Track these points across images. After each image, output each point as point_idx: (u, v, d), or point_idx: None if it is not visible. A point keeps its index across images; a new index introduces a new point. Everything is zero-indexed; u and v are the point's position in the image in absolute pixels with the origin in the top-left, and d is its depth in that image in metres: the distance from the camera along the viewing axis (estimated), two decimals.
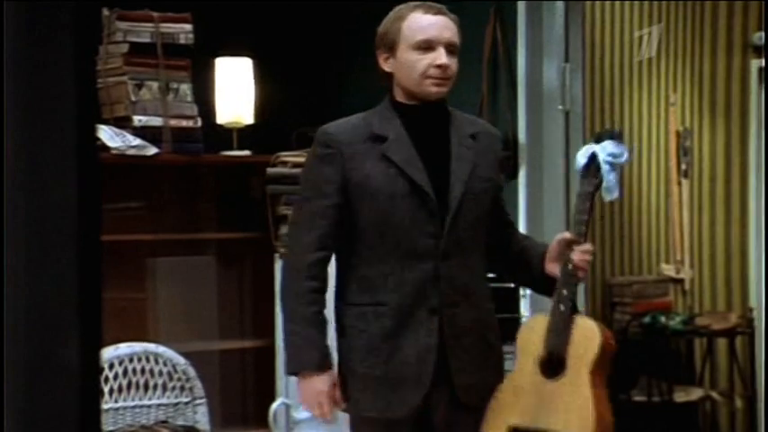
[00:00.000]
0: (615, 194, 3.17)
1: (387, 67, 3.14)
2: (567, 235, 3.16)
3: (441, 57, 3.07)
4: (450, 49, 3.10)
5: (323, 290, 3.09)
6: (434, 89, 3.09)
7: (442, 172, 3.10)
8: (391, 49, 3.11)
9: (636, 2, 7.48)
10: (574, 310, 3.13)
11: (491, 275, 3.67)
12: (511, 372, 3.18)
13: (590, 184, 3.18)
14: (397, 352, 3.05)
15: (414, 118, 3.11)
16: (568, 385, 3.06)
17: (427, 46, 3.07)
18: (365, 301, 3.09)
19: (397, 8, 3.19)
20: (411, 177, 3.05)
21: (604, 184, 3.16)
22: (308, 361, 3.06)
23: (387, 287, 3.06)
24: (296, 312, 3.07)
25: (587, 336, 3.09)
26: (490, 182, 3.20)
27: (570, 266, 3.09)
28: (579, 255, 3.11)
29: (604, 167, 3.14)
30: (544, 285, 3.19)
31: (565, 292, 3.10)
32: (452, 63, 3.10)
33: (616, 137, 3.23)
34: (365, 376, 3.08)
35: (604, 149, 3.17)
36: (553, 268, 3.15)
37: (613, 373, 7.28)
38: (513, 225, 3.34)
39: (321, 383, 3.06)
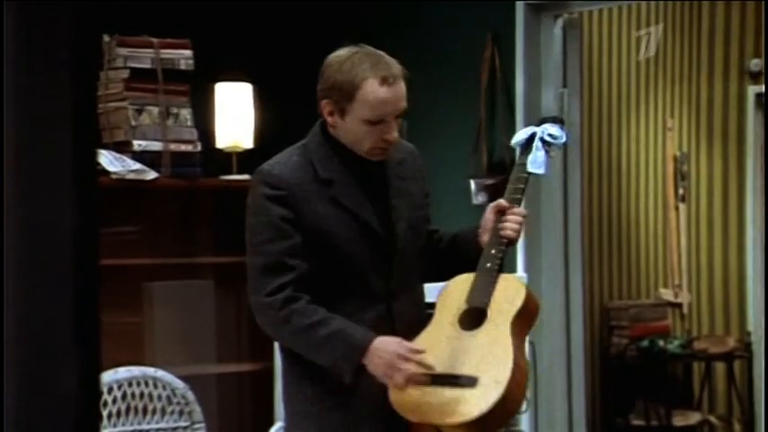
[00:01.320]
0: (541, 170, 3.15)
1: (330, 120, 3.01)
2: (501, 202, 3.10)
3: (391, 132, 2.97)
4: (399, 115, 3.01)
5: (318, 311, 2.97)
6: (377, 158, 3.03)
7: (384, 210, 3.05)
8: (340, 110, 2.97)
9: (634, 28, 7.51)
10: (500, 269, 3.07)
11: None
12: (427, 327, 3.06)
13: (525, 159, 3.19)
14: (354, 392, 2.98)
15: (352, 157, 3.03)
16: (486, 335, 2.96)
17: (379, 121, 2.95)
18: None
19: (349, 59, 3.00)
20: (364, 221, 3.01)
21: (530, 157, 3.15)
22: (360, 339, 2.91)
23: None
24: (309, 322, 2.93)
25: (511, 290, 3.03)
26: (424, 208, 3.18)
27: (500, 228, 3.05)
28: (510, 217, 3.07)
29: (537, 143, 3.15)
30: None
31: (493, 251, 3.05)
32: (398, 125, 3.02)
33: (558, 121, 3.24)
34: (321, 419, 3.02)
35: (544, 130, 3.18)
36: (487, 238, 3.08)
37: (610, 395, 7.24)
38: (437, 230, 3.24)
39: (386, 345, 2.90)
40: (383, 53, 3.04)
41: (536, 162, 3.16)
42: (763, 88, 7.19)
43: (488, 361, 2.92)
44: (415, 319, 3.10)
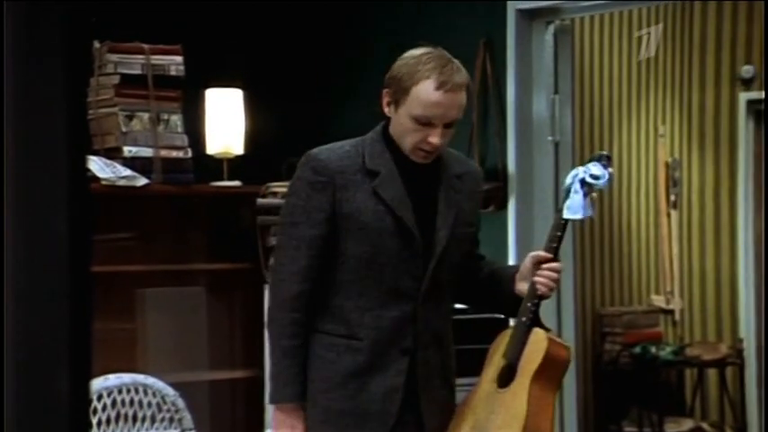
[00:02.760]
0: (578, 215, 3.16)
1: (387, 111, 3.07)
2: (540, 253, 3.14)
3: (435, 136, 3.00)
4: (450, 123, 3.03)
5: (306, 322, 3.04)
6: (420, 160, 3.06)
7: (428, 213, 3.07)
8: (396, 101, 3.03)
9: (625, 34, 7.52)
10: (534, 322, 3.13)
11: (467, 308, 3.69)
12: (477, 381, 3.19)
13: (564, 204, 3.21)
14: (364, 388, 3.03)
15: (404, 156, 3.06)
16: (511, 394, 3.09)
17: (427, 122, 3.00)
18: (339, 332, 3.05)
19: (418, 56, 3.04)
20: (400, 217, 3.03)
21: (567, 202, 3.16)
22: (286, 394, 3.04)
23: (363, 322, 3.03)
24: (279, 344, 3.05)
25: (536, 346, 3.11)
26: (473, 227, 3.20)
27: (535, 282, 3.10)
28: (546, 271, 3.10)
29: (575, 185, 3.15)
30: (515, 307, 3.15)
31: (528, 304, 3.11)
32: (447, 137, 3.04)
33: (604, 159, 3.22)
34: (328, 409, 3.05)
35: (587, 170, 3.18)
36: (523, 287, 3.13)
37: (603, 402, 7.23)
38: (483, 258, 3.30)
39: (296, 419, 3.04)
40: (456, 61, 3.06)
41: (572, 207, 3.16)
42: (754, 95, 7.21)
43: (507, 422, 3.06)
44: (439, 327, 3.12)
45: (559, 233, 3.16)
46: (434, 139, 3.00)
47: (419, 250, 3.05)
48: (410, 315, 3.04)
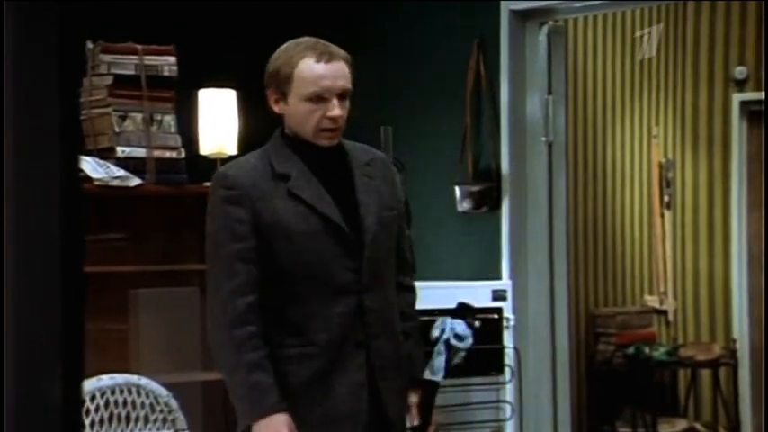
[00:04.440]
0: (438, 377, 3.23)
1: (277, 109, 3.09)
2: (415, 422, 3.21)
3: (333, 109, 3.02)
4: (343, 95, 3.06)
5: (261, 334, 3.00)
6: (327, 141, 3.07)
7: (350, 204, 3.07)
8: (282, 94, 3.06)
9: (619, 35, 7.53)
10: None
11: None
12: None
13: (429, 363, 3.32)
14: (331, 391, 3.02)
15: (310, 153, 3.07)
16: None
17: (319, 98, 3.02)
18: (292, 342, 3.03)
19: (287, 46, 3.11)
20: (323, 214, 3.02)
21: (431, 362, 3.24)
22: (268, 405, 2.98)
23: (313, 326, 3.01)
24: (241, 361, 2.98)
25: None
26: (395, 210, 3.19)
27: None
28: None
29: (440, 346, 3.23)
30: None
31: None
32: (344, 109, 3.06)
33: (468, 314, 3.32)
34: (299, 419, 3.02)
35: (453, 329, 3.26)
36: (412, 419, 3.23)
37: (596, 403, 7.24)
38: (407, 263, 3.30)
39: (281, 424, 2.98)
40: (324, 41, 3.11)
41: (435, 368, 3.26)
42: (747, 96, 7.22)
43: None
44: (387, 316, 3.12)
45: (431, 399, 3.24)
46: (333, 111, 3.02)
47: (350, 243, 3.04)
48: (356, 308, 3.04)
